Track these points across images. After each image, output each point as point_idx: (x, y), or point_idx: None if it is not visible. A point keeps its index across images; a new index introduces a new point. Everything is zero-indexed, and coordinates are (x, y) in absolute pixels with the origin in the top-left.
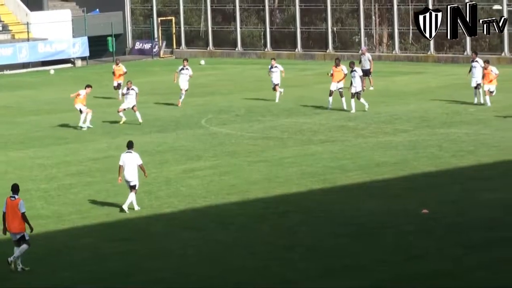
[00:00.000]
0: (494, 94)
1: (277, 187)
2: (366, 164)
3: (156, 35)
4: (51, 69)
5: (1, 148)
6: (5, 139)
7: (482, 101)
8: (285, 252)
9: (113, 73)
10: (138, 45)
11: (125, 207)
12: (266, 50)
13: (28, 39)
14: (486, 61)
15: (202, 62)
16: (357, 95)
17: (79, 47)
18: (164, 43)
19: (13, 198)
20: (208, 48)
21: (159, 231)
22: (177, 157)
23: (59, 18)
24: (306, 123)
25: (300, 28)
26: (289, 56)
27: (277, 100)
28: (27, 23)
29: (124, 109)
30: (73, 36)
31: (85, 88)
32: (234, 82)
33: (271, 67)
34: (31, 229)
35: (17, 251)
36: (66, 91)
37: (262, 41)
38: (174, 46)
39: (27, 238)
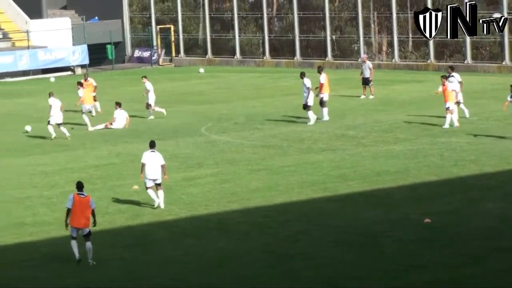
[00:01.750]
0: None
1: (277, 195)
2: (367, 173)
3: (155, 43)
4: (51, 76)
5: (2, 155)
6: (6, 146)
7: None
8: (286, 261)
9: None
10: (137, 53)
11: (161, 204)
12: (265, 58)
13: (28, 47)
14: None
15: (202, 70)
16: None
17: (79, 55)
18: (163, 51)
19: (82, 195)
20: (207, 56)
21: (160, 238)
22: (177, 164)
23: (59, 26)
24: (306, 131)
25: (299, 36)
26: (288, 64)
27: (151, 117)
28: (27, 31)
29: None
30: (73, 44)
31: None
32: (233, 90)
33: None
34: (94, 224)
35: (89, 250)
36: (66, 99)
37: (261, 49)
38: (173, 54)
39: (91, 233)
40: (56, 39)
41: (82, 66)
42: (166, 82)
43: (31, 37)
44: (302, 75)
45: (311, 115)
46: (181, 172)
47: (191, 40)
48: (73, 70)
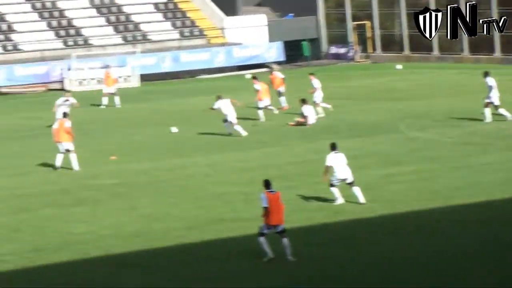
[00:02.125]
0: None
1: (479, 194)
2: None
3: (350, 39)
4: (247, 73)
5: (204, 151)
6: (206, 142)
7: None
8: (484, 261)
9: (271, 82)
10: (333, 50)
11: (361, 200)
12: (463, 54)
13: (223, 44)
14: None
15: (399, 66)
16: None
17: (275, 52)
18: (360, 48)
19: (272, 192)
20: (404, 53)
21: (359, 236)
22: (376, 162)
23: (254, 23)
24: (508, 128)
25: (499, 32)
26: (488, 61)
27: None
28: (222, 28)
29: None
30: (269, 41)
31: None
32: (432, 87)
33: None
34: None
35: (287, 246)
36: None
37: (460, 46)
38: (370, 51)
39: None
40: (251, 35)
41: (278, 63)
42: (363, 79)
43: (225, 34)
44: (485, 74)
45: (504, 112)
46: (380, 169)
47: (387, 36)
48: (268, 67)
